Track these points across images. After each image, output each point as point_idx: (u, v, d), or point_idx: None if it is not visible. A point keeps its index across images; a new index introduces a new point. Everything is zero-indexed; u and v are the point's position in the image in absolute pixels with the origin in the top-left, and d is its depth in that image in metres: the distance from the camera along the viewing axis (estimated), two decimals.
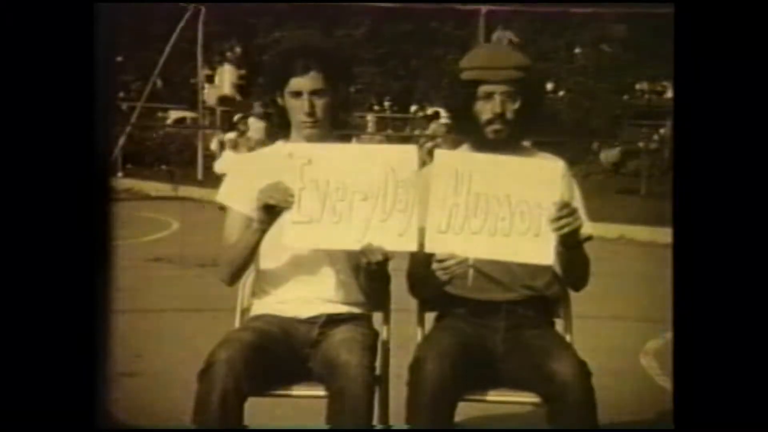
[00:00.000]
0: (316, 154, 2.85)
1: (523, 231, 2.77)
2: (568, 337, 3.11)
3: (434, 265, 2.79)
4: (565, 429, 2.75)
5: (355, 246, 2.82)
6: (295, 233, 2.84)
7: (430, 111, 18.36)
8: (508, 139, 2.98)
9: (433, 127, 17.08)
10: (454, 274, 2.79)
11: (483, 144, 3.00)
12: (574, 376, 2.73)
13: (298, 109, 2.98)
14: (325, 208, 2.82)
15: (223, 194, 3.10)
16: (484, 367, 2.92)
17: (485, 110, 2.96)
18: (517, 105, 2.96)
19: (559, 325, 3.11)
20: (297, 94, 2.97)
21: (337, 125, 3.07)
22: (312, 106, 2.96)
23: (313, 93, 2.96)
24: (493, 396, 2.93)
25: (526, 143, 3.15)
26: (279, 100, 3.03)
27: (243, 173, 3.11)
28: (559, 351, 2.84)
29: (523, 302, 3.01)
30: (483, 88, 2.96)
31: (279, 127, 3.09)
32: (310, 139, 3.01)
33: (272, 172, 3.04)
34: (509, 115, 2.96)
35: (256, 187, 2.96)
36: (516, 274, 3.01)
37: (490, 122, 2.96)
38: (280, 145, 3.11)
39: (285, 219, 2.89)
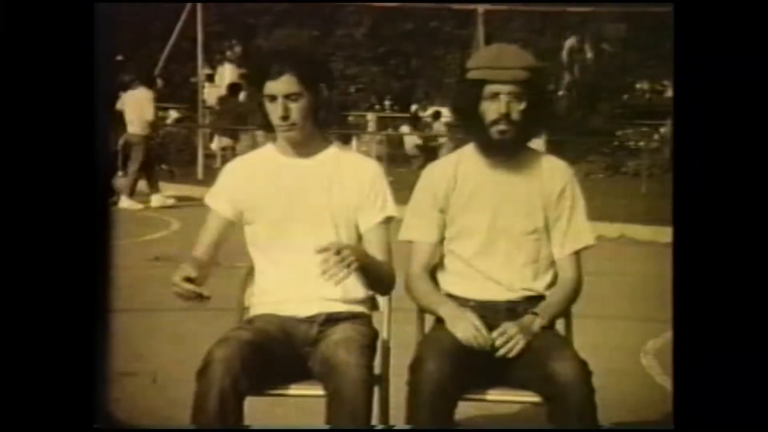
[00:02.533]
0: None
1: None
2: (568, 337, 3.11)
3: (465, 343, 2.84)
4: (566, 429, 2.75)
5: None
6: None
7: (430, 111, 18.36)
8: (513, 139, 2.98)
9: (435, 126, 17.09)
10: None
11: (488, 144, 3.01)
12: (575, 376, 2.72)
13: (273, 113, 2.98)
14: None
15: (210, 196, 3.13)
16: (484, 367, 2.92)
17: (490, 110, 2.95)
18: (522, 106, 2.95)
19: (559, 324, 3.11)
20: (272, 97, 2.96)
21: (322, 125, 3.07)
22: (286, 109, 2.95)
23: (288, 96, 2.95)
24: (493, 396, 2.93)
25: (531, 145, 3.14)
26: (263, 102, 3.03)
27: (233, 176, 3.13)
28: (560, 351, 2.84)
29: (523, 302, 3.01)
30: (489, 88, 2.95)
31: (266, 129, 3.09)
32: (289, 141, 3.02)
33: (263, 176, 3.06)
34: (515, 115, 2.95)
35: (246, 191, 3.05)
36: (516, 275, 3.02)
37: (495, 122, 2.96)
38: (269, 147, 3.13)
39: (283, 218, 2.95)
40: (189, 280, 2.82)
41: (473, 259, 3.02)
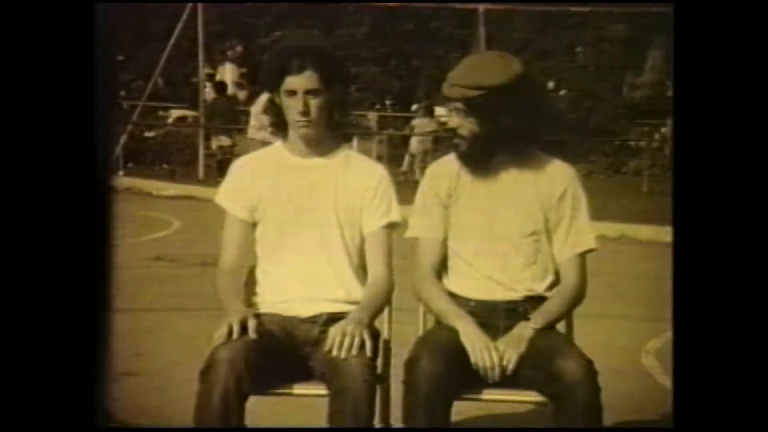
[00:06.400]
0: None
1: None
2: (570, 336, 3.11)
3: (472, 360, 2.83)
4: (567, 428, 2.74)
5: None
6: None
7: (419, 108, 18.30)
8: (475, 153, 2.99)
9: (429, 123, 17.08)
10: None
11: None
12: (582, 374, 2.72)
13: (292, 108, 2.98)
14: None
15: (221, 195, 3.12)
16: None
17: (451, 123, 3.01)
18: (471, 122, 2.96)
19: (560, 324, 3.11)
20: (292, 92, 2.97)
21: (332, 126, 3.07)
22: (306, 105, 2.96)
23: (308, 92, 2.95)
24: (492, 395, 2.93)
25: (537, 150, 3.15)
26: (276, 99, 3.03)
27: (242, 175, 3.12)
28: (566, 350, 2.84)
29: (523, 302, 3.01)
30: (449, 103, 3.02)
31: (276, 127, 3.09)
32: (305, 138, 3.02)
33: (271, 175, 3.06)
34: (464, 131, 2.98)
35: (255, 189, 3.02)
36: (515, 277, 3.02)
37: (454, 134, 3.01)
38: (278, 146, 3.12)
39: (289, 218, 2.98)
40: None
41: (473, 258, 3.03)
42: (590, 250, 3.04)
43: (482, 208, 3.03)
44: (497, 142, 2.98)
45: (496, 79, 2.92)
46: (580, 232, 3.04)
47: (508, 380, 2.89)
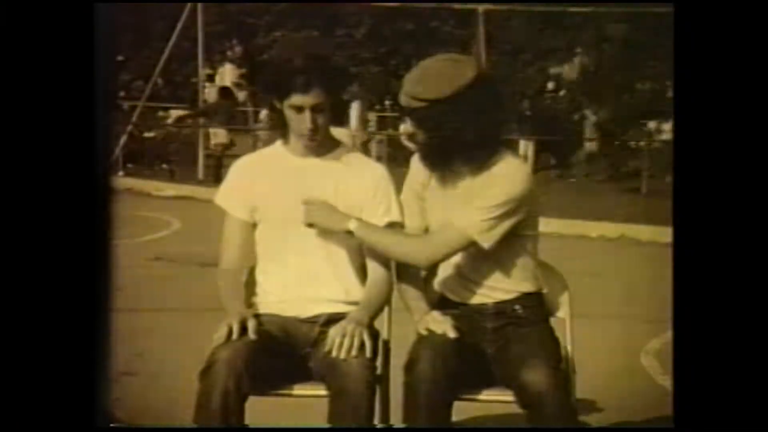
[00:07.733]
0: None
1: None
2: (569, 336, 3.10)
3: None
4: (567, 428, 2.75)
5: None
6: None
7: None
8: (433, 156, 2.99)
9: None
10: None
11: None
12: (548, 385, 2.72)
13: (298, 122, 2.95)
14: None
15: (221, 196, 3.11)
16: (477, 367, 2.93)
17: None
18: (421, 132, 2.95)
19: (560, 323, 3.11)
20: (299, 108, 2.95)
21: (333, 124, 3.09)
22: (314, 122, 2.94)
23: (314, 108, 2.94)
24: (488, 395, 2.94)
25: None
26: (277, 105, 3.01)
27: (242, 175, 3.12)
28: (531, 359, 2.82)
29: (512, 301, 3.01)
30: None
31: (277, 129, 3.09)
32: (308, 147, 3.02)
33: (271, 176, 3.06)
34: (418, 138, 2.98)
35: (255, 190, 3.01)
36: (493, 278, 3.01)
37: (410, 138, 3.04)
38: (278, 146, 3.12)
39: (289, 218, 2.98)
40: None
41: (453, 259, 3.02)
42: (474, 241, 2.93)
43: (448, 209, 3.00)
44: (449, 149, 2.94)
45: (437, 92, 2.87)
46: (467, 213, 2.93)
47: (496, 380, 2.90)
